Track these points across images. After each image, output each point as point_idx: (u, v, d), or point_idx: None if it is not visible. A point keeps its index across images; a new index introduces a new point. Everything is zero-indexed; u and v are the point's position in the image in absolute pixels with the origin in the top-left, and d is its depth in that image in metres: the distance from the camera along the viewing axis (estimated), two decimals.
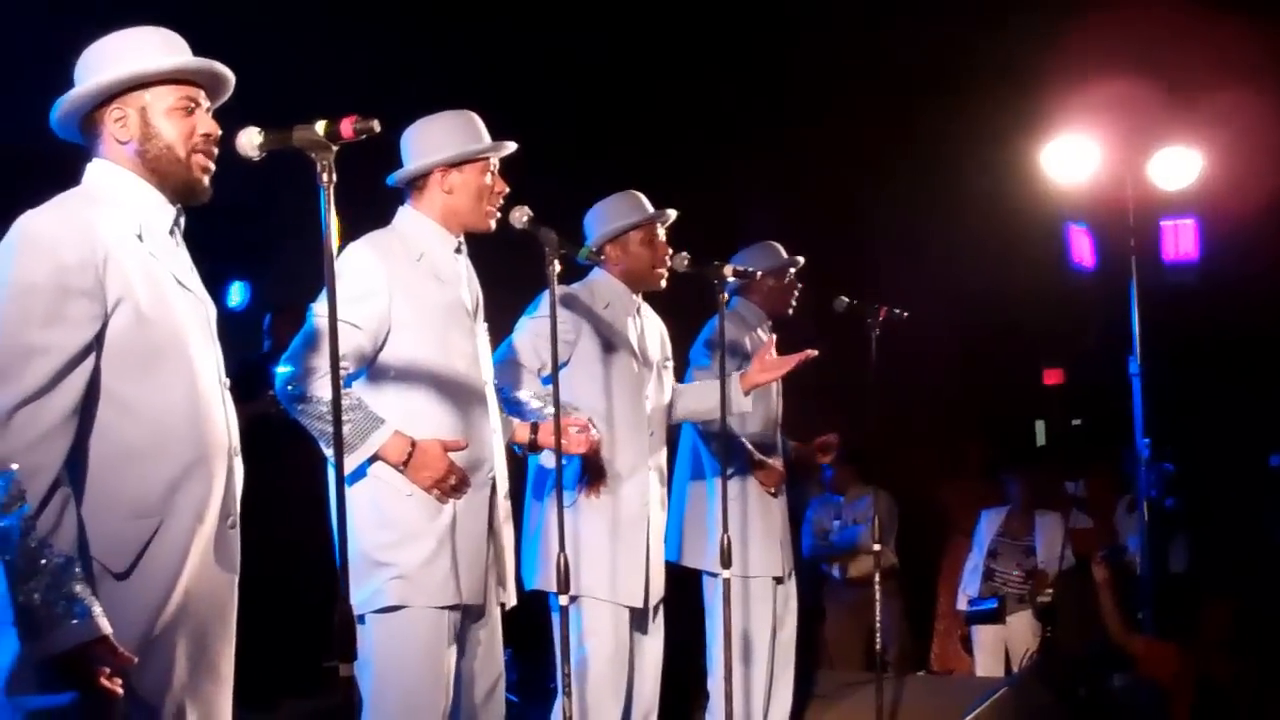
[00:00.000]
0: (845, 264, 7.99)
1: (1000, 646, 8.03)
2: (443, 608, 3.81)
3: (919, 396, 9.47)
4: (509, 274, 4.41)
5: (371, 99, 2.81)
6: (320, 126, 2.73)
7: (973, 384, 10.11)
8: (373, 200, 4.19)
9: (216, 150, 3.00)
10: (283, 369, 3.78)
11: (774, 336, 5.45)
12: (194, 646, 2.92)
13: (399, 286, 3.83)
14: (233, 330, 3.13)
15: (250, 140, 2.79)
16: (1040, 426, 11.42)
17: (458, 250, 4.02)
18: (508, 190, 4.05)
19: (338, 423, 2.84)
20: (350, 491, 3.77)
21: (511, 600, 4.04)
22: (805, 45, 9.10)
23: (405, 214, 4.03)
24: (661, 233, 4.97)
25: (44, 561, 2.65)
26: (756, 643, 5.67)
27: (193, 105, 3.01)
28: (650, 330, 5.05)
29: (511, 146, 4.08)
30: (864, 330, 5.61)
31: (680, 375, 5.42)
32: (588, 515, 4.68)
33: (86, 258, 2.79)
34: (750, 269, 5.22)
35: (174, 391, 2.90)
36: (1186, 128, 8.22)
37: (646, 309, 5.10)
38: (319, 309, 3.77)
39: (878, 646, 5.84)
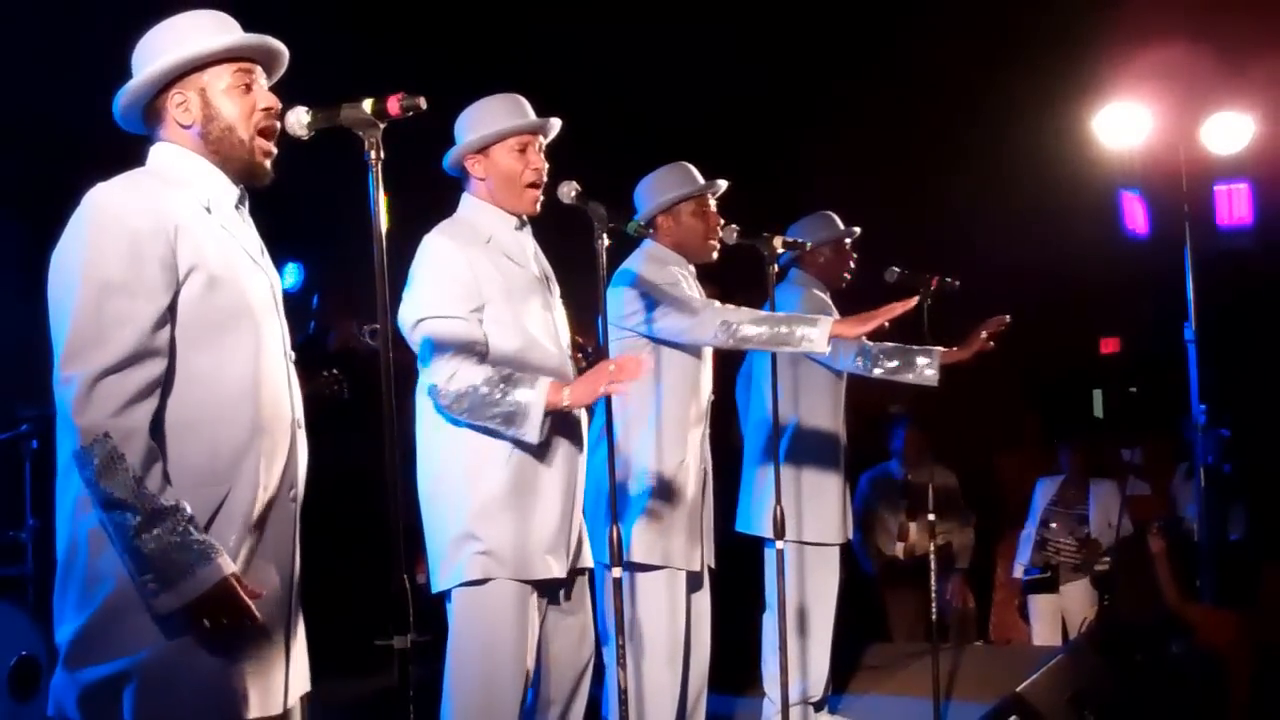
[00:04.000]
0: (897, 233, 7.97)
1: (1056, 615, 8.02)
2: (527, 581, 3.86)
3: (973, 368, 9.43)
4: (559, 249, 4.43)
5: (419, 76, 2.84)
6: (367, 105, 2.77)
7: (1028, 354, 10.05)
8: (427, 183, 4.24)
9: (278, 126, 3.04)
10: (431, 388, 3.82)
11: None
12: (259, 625, 2.93)
13: (479, 269, 3.88)
14: (286, 312, 3.17)
15: (299, 120, 2.84)
16: (1098, 396, 11.35)
17: (519, 228, 4.07)
18: (544, 168, 4.04)
19: (390, 405, 2.87)
20: (439, 467, 3.87)
21: (588, 562, 4.08)
22: (860, 15, 9.06)
23: (464, 200, 4.10)
24: (713, 203, 4.98)
25: (160, 512, 2.73)
26: (815, 613, 5.72)
27: (250, 81, 3.07)
28: None
29: (531, 123, 4.06)
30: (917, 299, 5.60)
31: None
32: (638, 486, 4.72)
33: (158, 225, 2.85)
34: (800, 240, 5.22)
35: (241, 362, 2.95)
36: (1238, 92, 8.14)
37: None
38: (422, 313, 3.84)
39: (933, 616, 5.87)
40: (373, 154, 2.77)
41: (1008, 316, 5.44)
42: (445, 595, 3.92)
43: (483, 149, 4.02)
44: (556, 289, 4.15)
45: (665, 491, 4.73)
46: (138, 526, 2.72)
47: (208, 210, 2.98)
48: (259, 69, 3.10)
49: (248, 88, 3.06)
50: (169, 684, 2.81)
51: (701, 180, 4.98)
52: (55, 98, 6.16)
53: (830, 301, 5.78)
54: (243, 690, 2.89)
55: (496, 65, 7.66)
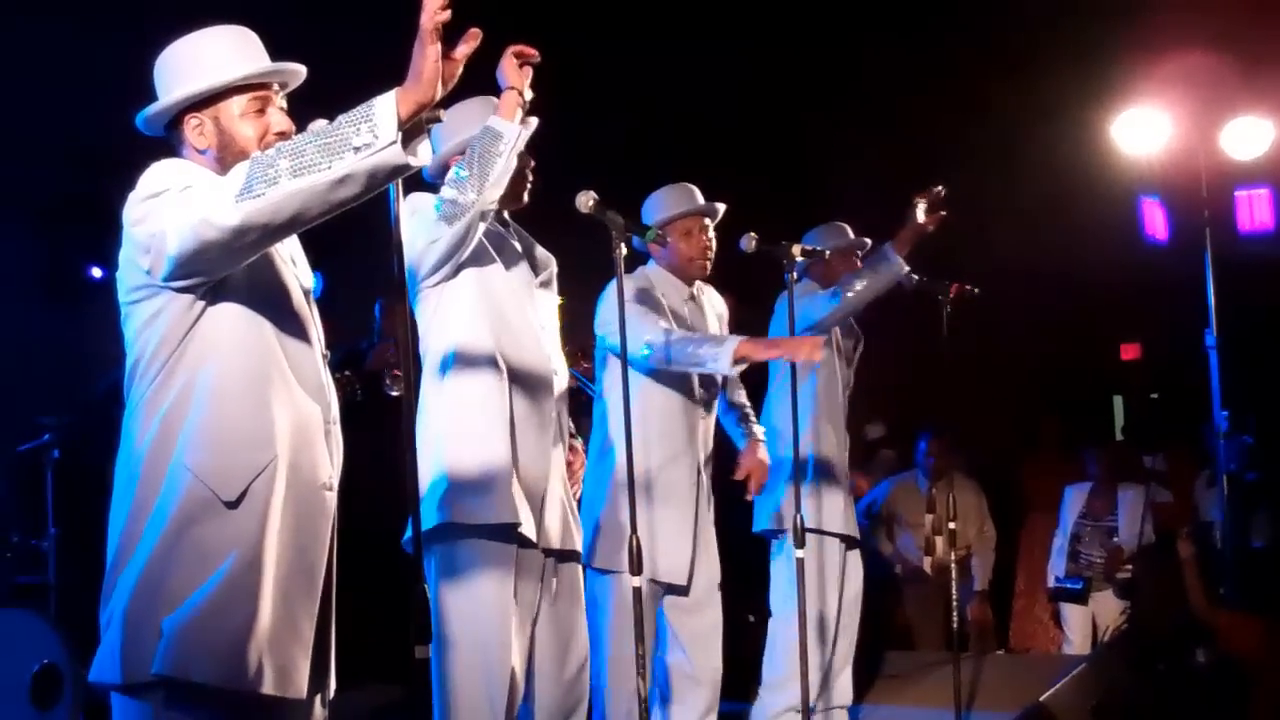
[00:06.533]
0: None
1: (1088, 624, 8.00)
2: (503, 525, 3.88)
3: (994, 374, 9.42)
4: (571, 258, 4.44)
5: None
6: None
7: (1049, 361, 10.04)
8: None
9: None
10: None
11: None
12: (282, 603, 2.98)
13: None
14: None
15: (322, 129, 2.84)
16: (1118, 402, 11.31)
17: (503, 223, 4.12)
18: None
19: (408, 377, 2.89)
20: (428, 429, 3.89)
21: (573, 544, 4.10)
22: (881, 20, 9.06)
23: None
24: (708, 225, 5.06)
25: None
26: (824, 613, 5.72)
27: (264, 105, 3.10)
28: (709, 313, 5.15)
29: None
30: (936, 307, 5.60)
31: None
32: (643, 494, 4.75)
33: None
34: (819, 248, 5.23)
35: (278, 351, 3.03)
36: (1258, 97, 8.11)
37: (710, 291, 5.16)
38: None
39: (954, 624, 5.85)
40: None
41: (940, 186, 5.49)
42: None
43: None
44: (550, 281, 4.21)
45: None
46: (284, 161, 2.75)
47: None
48: (276, 88, 3.13)
49: (262, 111, 3.09)
50: (194, 642, 2.86)
51: (700, 202, 5.03)
52: (76, 114, 6.20)
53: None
54: (257, 663, 2.90)
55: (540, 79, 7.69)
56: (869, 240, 5.86)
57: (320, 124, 2.80)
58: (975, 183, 9.06)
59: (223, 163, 3.05)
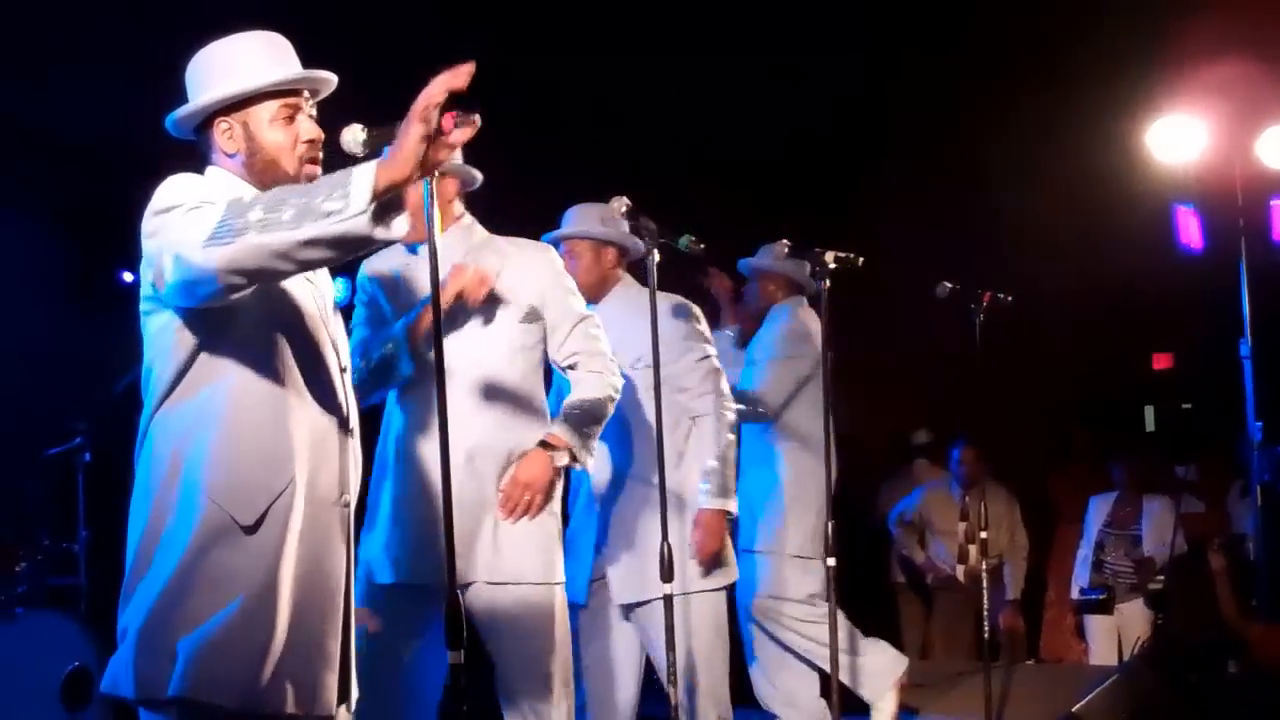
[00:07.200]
0: (949, 249, 7.93)
1: (1113, 635, 7.96)
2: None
3: (1026, 384, 9.38)
4: None
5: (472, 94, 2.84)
6: None
7: (1080, 370, 9.99)
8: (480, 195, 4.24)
9: (320, 154, 3.07)
10: None
11: None
12: (303, 621, 2.97)
13: None
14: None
15: (354, 137, 2.85)
16: (1150, 412, 11.24)
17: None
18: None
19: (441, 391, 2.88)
20: None
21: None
22: (912, 25, 9.03)
23: None
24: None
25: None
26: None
27: (294, 112, 3.09)
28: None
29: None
30: (968, 316, 5.58)
31: None
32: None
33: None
34: (853, 255, 5.21)
35: (292, 367, 3.02)
36: None
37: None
38: None
39: (985, 634, 5.82)
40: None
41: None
42: None
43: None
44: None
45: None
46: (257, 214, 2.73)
47: None
48: (306, 95, 3.12)
49: (291, 118, 3.08)
50: (213, 665, 2.86)
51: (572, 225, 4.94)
52: (107, 119, 6.22)
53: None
54: (280, 683, 2.91)
55: (556, 92, 7.71)
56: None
57: (301, 189, 2.78)
58: (1008, 191, 9.04)
59: (250, 168, 3.07)
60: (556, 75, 7.68)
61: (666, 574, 3.98)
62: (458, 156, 3.97)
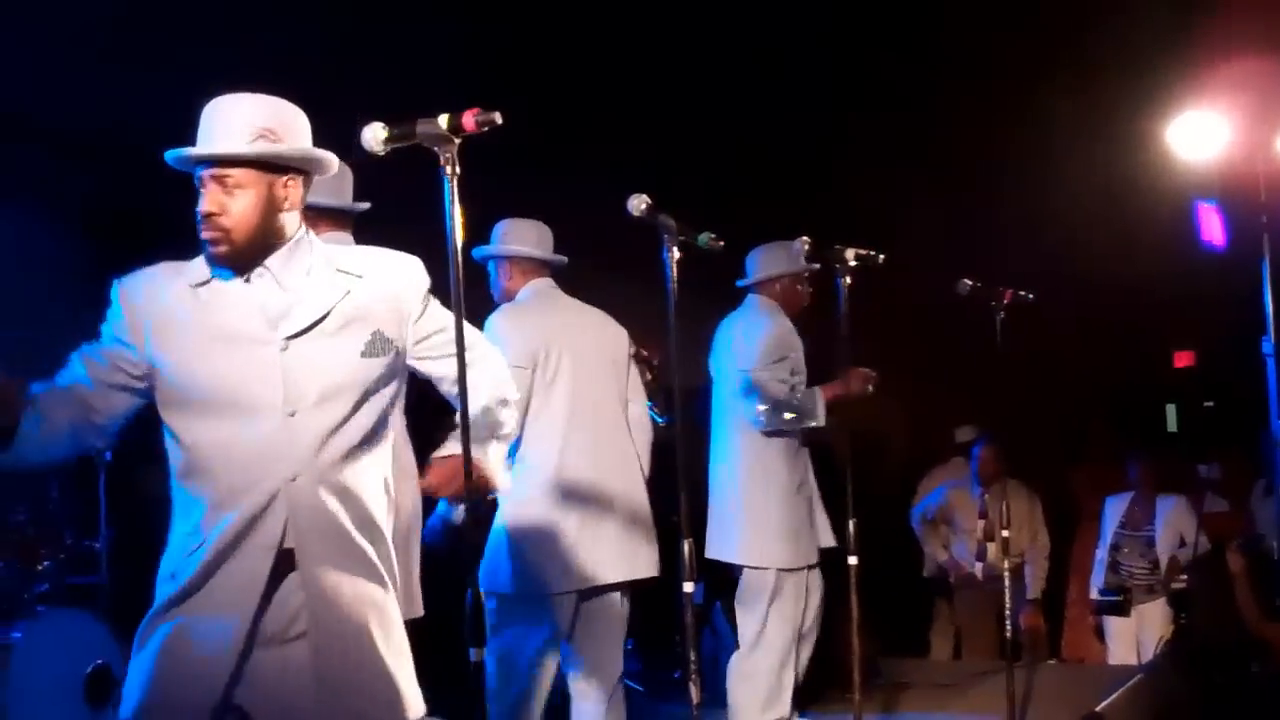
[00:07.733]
0: (970, 246, 7.91)
1: (1131, 636, 7.94)
2: None
3: (1047, 382, 9.35)
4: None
5: (490, 92, 2.84)
6: (443, 120, 2.77)
7: (1102, 368, 9.96)
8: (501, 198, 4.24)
9: (219, 226, 3.02)
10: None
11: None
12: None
13: None
14: None
15: (375, 136, 2.84)
16: (1171, 410, 11.20)
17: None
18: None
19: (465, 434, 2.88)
20: None
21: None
22: (931, 21, 9.01)
23: None
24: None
25: None
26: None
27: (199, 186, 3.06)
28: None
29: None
30: (989, 314, 5.56)
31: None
32: None
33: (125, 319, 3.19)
34: (874, 253, 5.19)
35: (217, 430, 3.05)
36: None
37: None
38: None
39: (1007, 634, 5.79)
40: (448, 169, 2.77)
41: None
42: None
43: None
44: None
45: None
46: None
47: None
48: (209, 167, 3.05)
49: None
50: None
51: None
52: (124, 119, 6.23)
53: (793, 328, 5.87)
54: None
55: (584, 91, 7.72)
56: (817, 265, 5.79)
57: None
58: (1030, 188, 9.02)
59: None
60: (579, 73, 7.68)
61: (691, 572, 3.95)
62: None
